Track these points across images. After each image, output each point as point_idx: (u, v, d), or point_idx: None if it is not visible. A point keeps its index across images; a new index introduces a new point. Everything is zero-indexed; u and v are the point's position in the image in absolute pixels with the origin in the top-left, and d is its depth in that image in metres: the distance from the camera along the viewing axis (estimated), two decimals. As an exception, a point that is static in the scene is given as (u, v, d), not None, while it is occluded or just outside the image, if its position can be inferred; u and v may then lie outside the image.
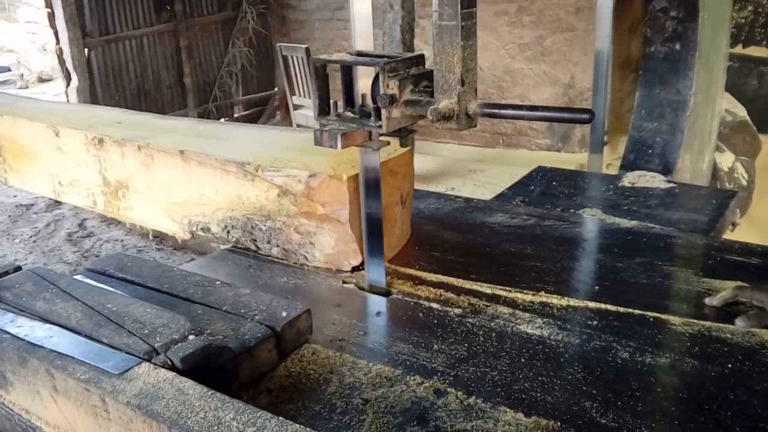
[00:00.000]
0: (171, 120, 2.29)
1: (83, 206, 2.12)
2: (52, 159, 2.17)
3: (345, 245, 1.52)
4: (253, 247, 1.65)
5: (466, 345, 1.24)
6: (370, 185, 1.40)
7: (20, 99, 2.92)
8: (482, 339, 1.25)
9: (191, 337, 1.10)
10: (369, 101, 1.29)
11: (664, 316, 1.30)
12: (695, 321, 1.27)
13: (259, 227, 1.63)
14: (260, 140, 1.84)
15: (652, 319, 1.29)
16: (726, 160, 3.87)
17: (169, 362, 1.04)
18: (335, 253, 1.54)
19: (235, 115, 7.61)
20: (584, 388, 1.09)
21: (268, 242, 1.62)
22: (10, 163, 2.39)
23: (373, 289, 1.46)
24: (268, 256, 1.66)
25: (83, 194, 2.10)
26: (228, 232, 1.69)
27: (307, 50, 5.29)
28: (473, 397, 1.08)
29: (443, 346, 1.24)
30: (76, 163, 2.07)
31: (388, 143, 1.35)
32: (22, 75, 10.72)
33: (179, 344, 1.08)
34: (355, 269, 1.55)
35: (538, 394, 1.08)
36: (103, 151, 1.94)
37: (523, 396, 1.08)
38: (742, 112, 4.17)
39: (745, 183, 3.96)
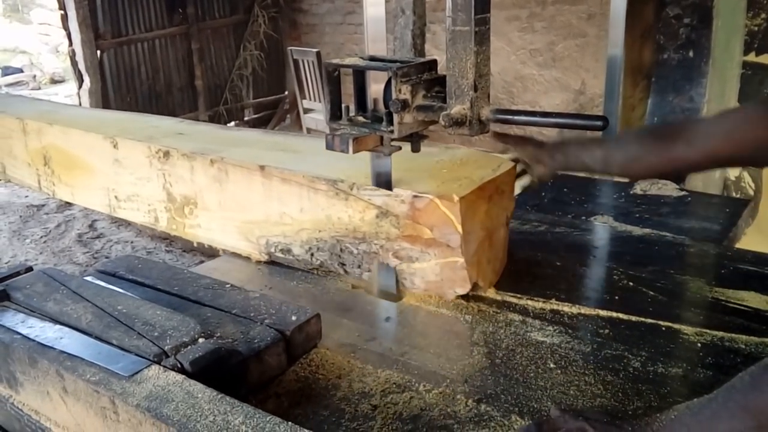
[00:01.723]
0: (236, 131, 2.10)
1: (142, 223, 1.97)
2: (108, 172, 2.01)
3: (452, 272, 1.38)
4: (341, 271, 1.52)
5: (476, 351, 1.23)
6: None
7: (64, 107, 2.74)
8: (493, 346, 1.25)
9: (201, 340, 1.10)
10: (381, 106, 1.29)
11: (676, 326, 1.28)
12: (708, 331, 1.26)
13: (350, 250, 1.49)
14: (344, 155, 1.72)
15: (664, 329, 1.28)
16: (733, 169, 3.84)
17: (179, 365, 1.04)
18: (439, 281, 1.40)
19: (246, 119, 7.64)
20: (596, 396, 1.08)
21: (359, 266, 1.48)
22: (59, 175, 2.24)
23: (383, 295, 1.46)
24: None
25: (143, 210, 1.94)
26: (312, 254, 1.55)
27: (318, 54, 5.31)
28: (483, 404, 1.07)
29: (453, 353, 1.23)
30: (136, 176, 1.92)
31: (400, 148, 1.35)
32: (34, 76, 10.80)
33: (189, 347, 1.08)
34: (459, 297, 1.41)
35: (549, 403, 1.07)
36: (169, 164, 1.79)
37: (534, 404, 1.07)
38: (755, 120, 4.13)
39: (752, 192, 3.93)
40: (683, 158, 1.07)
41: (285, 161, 1.60)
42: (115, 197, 2.02)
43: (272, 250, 1.62)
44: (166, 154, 1.78)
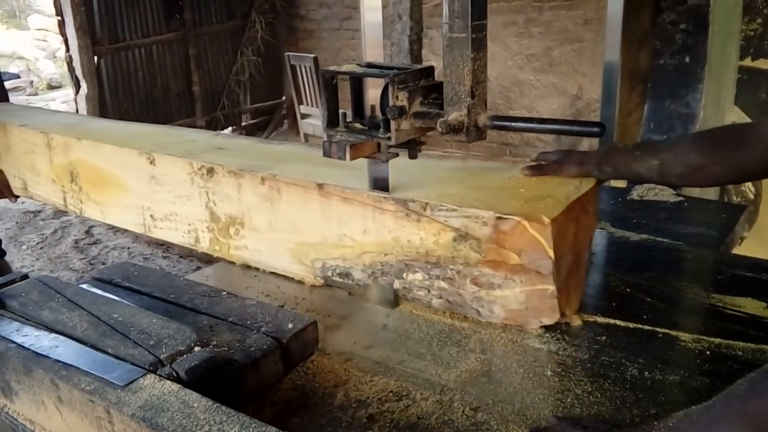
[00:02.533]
0: (279, 145, 1.96)
1: (181, 243, 1.83)
2: (143, 190, 1.87)
3: (540, 301, 1.27)
4: (408, 297, 1.42)
5: (473, 359, 1.23)
6: (379, 197, 1.39)
7: (88, 119, 2.63)
8: (490, 353, 1.24)
9: (197, 348, 1.09)
10: (378, 113, 1.29)
11: (674, 332, 1.28)
12: (705, 338, 1.25)
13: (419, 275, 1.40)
14: (406, 171, 1.53)
15: (661, 335, 1.28)
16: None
17: (175, 374, 1.04)
18: (523, 310, 1.29)
19: (243, 124, 7.64)
20: (593, 404, 1.08)
21: (428, 291, 1.38)
22: (88, 192, 2.08)
23: (381, 302, 1.45)
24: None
25: (182, 230, 1.81)
26: (375, 279, 1.45)
27: (315, 60, 5.32)
28: (481, 413, 1.07)
29: (451, 361, 1.22)
30: (175, 194, 1.79)
31: (397, 155, 1.35)
32: (31, 82, 10.81)
33: (185, 356, 1.07)
34: (544, 327, 1.31)
35: (547, 411, 1.07)
36: (213, 182, 1.68)
37: (531, 412, 1.07)
38: (750, 125, 4.15)
39: (752, 196, 3.93)
40: (749, 165, 1.06)
41: (343, 179, 1.49)
42: (151, 216, 1.88)
43: (329, 273, 1.52)
44: (210, 171, 1.67)
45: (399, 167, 1.50)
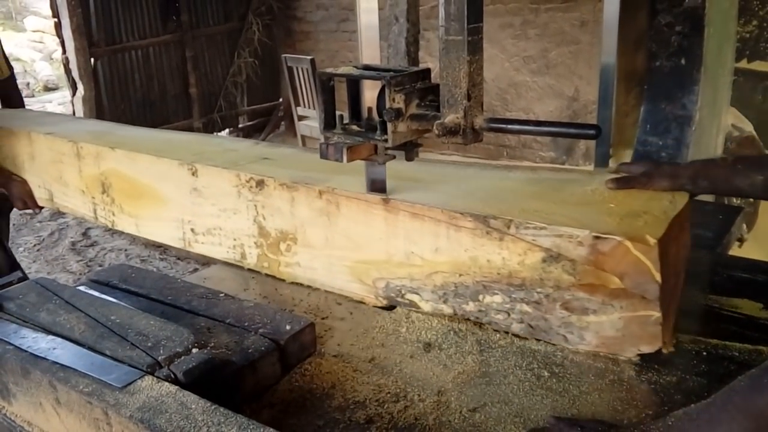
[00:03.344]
0: None
1: (225, 259, 1.72)
2: (184, 202, 1.76)
3: (641, 328, 1.16)
4: (483, 321, 1.32)
5: (470, 360, 1.23)
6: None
7: (118, 126, 2.39)
8: (487, 354, 1.25)
9: (194, 350, 1.09)
10: (375, 115, 1.29)
11: (670, 333, 1.28)
12: (702, 339, 1.26)
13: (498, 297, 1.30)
14: (473, 185, 1.44)
15: (658, 336, 1.28)
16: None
17: (172, 375, 1.04)
18: (619, 337, 1.18)
19: (240, 126, 7.64)
20: (590, 405, 1.08)
21: (508, 314, 1.28)
22: (121, 204, 1.96)
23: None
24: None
25: (226, 245, 1.70)
26: (446, 301, 1.35)
27: (312, 61, 5.32)
28: (478, 414, 1.07)
29: (449, 362, 1.23)
30: (219, 208, 1.68)
31: (394, 157, 1.35)
32: (28, 84, 10.79)
33: (182, 357, 1.07)
34: (641, 355, 1.20)
35: (544, 412, 1.07)
36: (263, 195, 1.57)
37: (530, 413, 1.07)
38: (748, 127, 4.18)
39: (751, 198, 3.95)
40: None
41: (409, 192, 1.40)
42: (192, 230, 1.77)
43: (393, 294, 1.42)
44: (260, 183, 1.57)
45: (464, 179, 1.45)
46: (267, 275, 1.64)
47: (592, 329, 1.20)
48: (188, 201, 1.74)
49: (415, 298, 1.39)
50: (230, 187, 1.63)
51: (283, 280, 1.60)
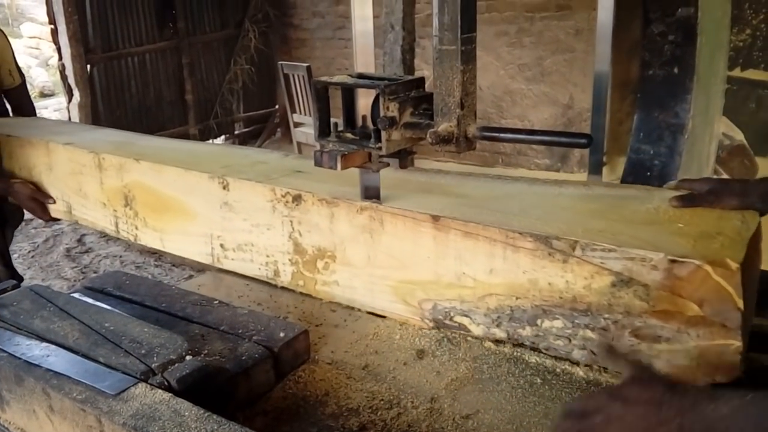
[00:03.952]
0: None
1: (257, 276, 1.65)
2: (213, 217, 1.68)
3: (718, 357, 1.08)
4: (539, 346, 1.24)
5: (463, 367, 1.23)
6: (370, 206, 1.40)
7: (139, 137, 2.30)
8: (480, 361, 1.25)
9: (188, 357, 1.10)
10: (369, 122, 1.30)
11: (662, 341, 1.29)
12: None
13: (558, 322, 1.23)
14: (527, 201, 1.38)
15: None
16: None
17: (166, 383, 1.04)
18: (693, 366, 1.10)
19: (236, 132, 7.65)
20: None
21: (569, 340, 1.21)
22: (145, 218, 1.88)
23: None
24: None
25: (258, 262, 1.63)
26: (499, 324, 1.28)
27: (308, 69, 5.34)
28: (471, 421, 1.08)
29: (442, 369, 1.23)
30: (251, 223, 1.61)
31: (388, 164, 1.36)
32: (24, 90, 10.76)
33: (176, 364, 1.07)
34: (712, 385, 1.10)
35: (537, 419, 1.08)
36: (300, 210, 1.50)
37: (523, 420, 1.08)
38: (739, 136, 4.20)
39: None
40: None
41: (459, 209, 1.33)
42: (221, 246, 1.70)
43: (441, 316, 1.35)
44: (297, 198, 1.50)
45: (514, 195, 1.40)
46: (265, 283, 1.63)
47: (664, 358, 1.12)
48: (218, 215, 1.67)
49: (465, 321, 1.32)
50: (264, 201, 1.56)
51: (277, 287, 1.60)
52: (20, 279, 2.76)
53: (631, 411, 0.86)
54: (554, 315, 1.21)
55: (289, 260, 1.56)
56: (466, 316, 1.32)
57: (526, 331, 1.25)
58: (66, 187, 2.12)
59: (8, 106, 2.67)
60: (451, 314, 1.34)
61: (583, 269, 1.15)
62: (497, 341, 1.29)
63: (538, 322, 1.23)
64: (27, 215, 2.43)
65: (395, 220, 1.37)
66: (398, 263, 1.39)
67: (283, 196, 1.52)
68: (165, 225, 1.83)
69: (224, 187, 1.63)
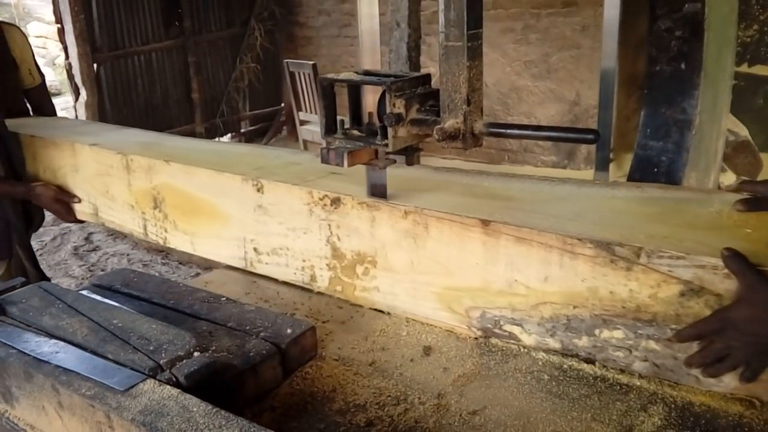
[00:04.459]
0: (400, 169, 1.56)
1: (292, 281, 1.60)
2: (246, 220, 1.64)
3: None
4: (596, 357, 1.19)
5: (470, 363, 1.24)
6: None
7: (167, 137, 2.24)
8: (487, 357, 1.25)
9: (196, 353, 1.10)
10: (376, 120, 1.30)
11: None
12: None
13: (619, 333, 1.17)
14: (580, 205, 1.32)
15: (658, 340, 1.28)
16: (728, 179, 3.88)
17: (174, 379, 1.05)
18: (763, 381, 1.05)
19: (242, 131, 7.66)
20: (590, 408, 1.09)
21: (629, 352, 1.15)
22: (175, 220, 1.84)
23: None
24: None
25: (294, 267, 1.59)
26: (554, 334, 1.23)
27: (314, 66, 5.35)
28: (478, 417, 1.08)
29: (449, 365, 1.23)
30: (287, 227, 1.56)
31: (395, 161, 1.36)
32: (31, 89, 10.80)
33: (184, 361, 1.08)
34: None
35: (544, 415, 1.08)
36: (339, 214, 1.45)
37: (530, 416, 1.08)
38: (743, 132, 4.18)
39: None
40: None
41: (509, 213, 1.27)
42: (254, 249, 1.65)
43: (489, 325, 1.30)
44: (336, 201, 1.45)
45: (565, 198, 1.36)
46: (273, 280, 1.64)
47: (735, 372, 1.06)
48: (251, 218, 1.63)
49: (515, 330, 1.27)
50: (301, 204, 1.52)
51: (283, 284, 1.61)
52: (48, 280, 2.74)
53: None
54: (615, 325, 1.15)
55: (327, 265, 1.52)
56: (518, 324, 1.27)
57: (583, 342, 1.20)
58: (92, 188, 2.09)
59: (28, 106, 2.66)
60: (501, 323, 1.29)
61: (649, 277, 1.10)
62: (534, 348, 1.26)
63: (597, 332, 1.18)
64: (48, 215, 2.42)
65: (441, 225, 1.31)
66: (444, 269, 1.34)
67: (321, 199, 1.48)
68: (196, 228, 1.79)
69: (258, 190, 1.59)
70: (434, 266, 1.35)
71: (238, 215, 1.66)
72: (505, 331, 1.28)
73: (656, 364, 1.14)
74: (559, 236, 1.17)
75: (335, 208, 1.46)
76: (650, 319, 1.12)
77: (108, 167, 1.98)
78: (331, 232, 1.49)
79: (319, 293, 1.55)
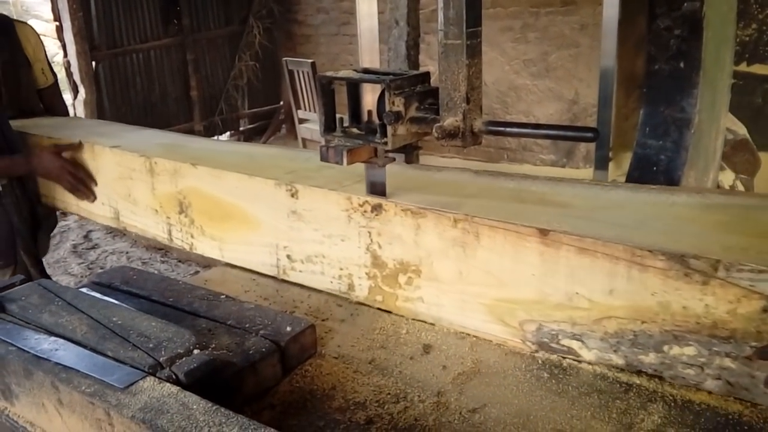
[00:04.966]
0: (437, 173, 1.57)
1: (328, 290, 1.55)
2: (279, 226, 1.59)
3: None
4: (664, 375, 1.14)
5: (469, 361, 1.24)
6: (377, 201, 1.40)
7: (191, 139, 2.19)
8: (488, 356, 1.25)
9: (196, 351, 1.10)
10: (375, 118, 1.30)
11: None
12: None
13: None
14: (645, 211, 1.27)
15: (657, 338, 1.28)
16: (727, 178, 3.88)
17: (174, 376, 1.05)
18: None
19: (241, 129, 7.66)
20: (589, 407, 1.09)
21: (701, 369, 1.10)
22: (202, 226, 1.78)
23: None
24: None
25: (330, 275, 1.53)
26: (617, 350, 1.17)
27: (313, 65, 5.34)
28: (478, 415, 1.08)
29: (449, 363, 1.24)
30: (323, 234, 1.51)
31: (394, 159, 1.36)
32: (29, 87, 10.78)
33: (184, 358, 1.08)
34: None
35: (544, 413, 1.08)
36: (380, 221, 1.40)
37: (530, 414, 1.08)
38: (742, 131, 4.19)
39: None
40: None
41: (567, 221, 1.21)
42: (287, 257, 1.60)
43: (546, 339, 1.24)
44: (377, 208, 1.39)
45: (623, 205, 1.30)
46: (271, 277, 1.64)
47: None
48: (285, 225, 1.58)
49: (574, 344, 1.21)
50: (339, 211, 1.46)
51: (283, 282, 1.61)
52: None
53: None
54: (687, 341, 1.10)
55: (366, 274, 1.46)
56: (578, 339, 1.20)
57: (650, 358, 1.14)
58: (113, 192, 2.03)
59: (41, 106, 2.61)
60: (559, 337, 1.22)
61: (728, 292, 1.04)
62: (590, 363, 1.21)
63: (666, 348, 1.12)
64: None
65: (494, 234, 1.25)
66: (496, 280, 1.27)
67: (361, 205, 1.42)
68: (225, 234, 1.74)
69: (292, 195, 1.54)
70: (485, 277, 1.29)
71: (270, 221, 1.61)
72: (563, 345, 1.22)
73: (730, 383, 1.08)
74: (627, 247, 1.10)
75: (376, 215, 1.41)
76: (728, 335, 1.06)
77: (130, 170, 1.93)
78: (372, 240, 1.43)
79: (319, 291, 1.55)
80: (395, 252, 1.40)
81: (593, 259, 1.14)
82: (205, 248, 1.80)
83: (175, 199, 1.82)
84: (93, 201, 2.08)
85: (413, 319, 1.40)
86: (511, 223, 1.22)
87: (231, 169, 1.68)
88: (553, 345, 1.23)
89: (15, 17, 3.25)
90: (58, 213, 2.56)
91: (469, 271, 1.31)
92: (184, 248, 1.85)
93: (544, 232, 1.19)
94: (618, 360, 1.17)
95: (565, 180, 1.50)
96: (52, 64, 2.70)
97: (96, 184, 2.07)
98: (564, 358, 1.22)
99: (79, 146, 2.04)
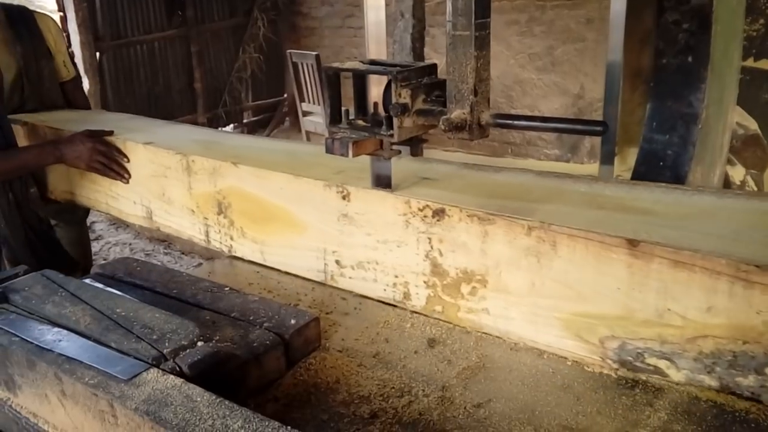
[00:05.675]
0: (499, 174, 1.50)
1: (381, 299, 1.46)
2: (329, 230, 1.51)
3: None
4: (763, 399, 1.05)
5: (474, 356, 1.23)
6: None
7: (226, 135, 2.08)
8: (492, 350, 1.25)
9: (200, 343, 1.10)
10: (381, 110, 1.29)
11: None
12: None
13: None
14: (737, 219, 1.19)
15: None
16: (737, 173, 3.86)
17: (178, 368, 1.04)
18: None
19: (245, 121, 7.65)
20: (594, 402, 1.08)
21: None
22: (242, 228, 1.70)
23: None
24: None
25: (384, 282, 1.45)
26: (711, 371, 1.08)
27: (317, 57, 5.33)
28: (482, 409, 1.07)
29: (453, 357, 1.23)
30: (377, 239, 1.43)
31: (399, 152, 1.35)
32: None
33: (188, 350, 1.08)
34: None
35: (549, 408, 1.07)
36: (442, 227, 1.32)
37: (534, 409, 1.07)
38: (753, 126, 4.16)
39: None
40: None
41: (657, 231, 1.12)
42: (336, 262, 1.52)
43: (630, 357, 1.15)
44: (440, 213, 1.31)
45: (712, 212, 1.22)
46: (276, 270, 1.63)
47: None
48: (334, 228, 1.50)
49: (662, 364, 1.13)
50: (395, 215, 1.38)
51: (287, 274, 1.60)
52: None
53: None
54: None
55: (425, 282, 1.38)
56: (667, 359, 1.12)
57: (748, 381, 1.06)
58: (146, 190, 1.95)
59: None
60: (645, 356, 1.14)
61: None
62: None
63: (767, 370, 1.04)
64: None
65: (574, 243, 1.16)
66: (574, 293, 1.19)
67: (421, 210, 1.34)
68: (267, 237, 1.66)
69: (344, 197, 1.46)
70: (562, 289, 1.20)
71: (318, 224, 1.54)
72: (649, 365, 1.14)
73: None
74: (731, 261, 1.01)
75: (438, 221, 1.32)
76: None
77: (165, 168, 1.85)
78: (432, 247, 1.35)
79: (322, 284, 1.54)
80: (458, 260, 1.32)
81: (690, 274, 1.06)
82: (246, 251, 1.72)
83: (214, 200, 1.75)
84: (127, 181, 1.97)
85: (479, 332, 1.32)
86: (594, 232, 1.13)
87: (274, 168, 1.60)
88: (638, 364, 1.15)
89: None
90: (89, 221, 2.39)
91: (543, 283, 1.22)
92: (223, 251, 1.79)
93: (633, 243, 1.09)
94: (711, 381, 1.09)
95: (640, 184, 1.42)
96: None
97: (128, 160, 1.97)
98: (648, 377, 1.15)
99: (110, 134, 1.98)
